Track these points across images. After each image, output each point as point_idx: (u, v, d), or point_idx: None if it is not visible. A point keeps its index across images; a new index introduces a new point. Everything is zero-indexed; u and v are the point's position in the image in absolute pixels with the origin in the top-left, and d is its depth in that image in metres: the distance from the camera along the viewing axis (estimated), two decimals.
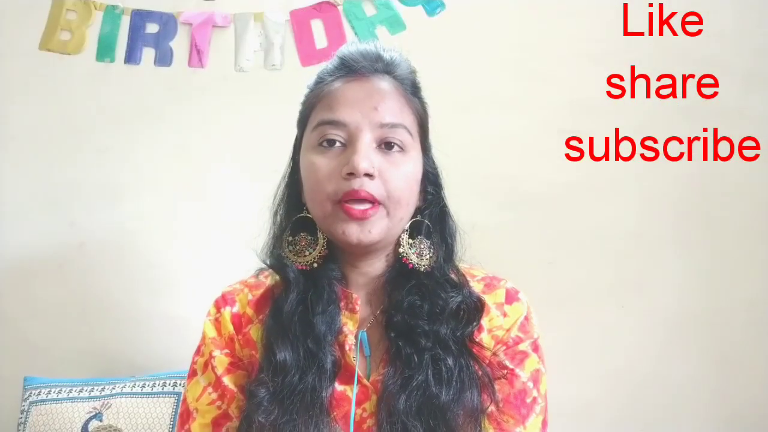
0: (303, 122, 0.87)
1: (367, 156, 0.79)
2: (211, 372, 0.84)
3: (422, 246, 0.86)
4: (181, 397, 1.29)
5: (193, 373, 0.86)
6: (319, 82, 0.86)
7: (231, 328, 0.86)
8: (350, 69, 0.84)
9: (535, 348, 0.85)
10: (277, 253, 0.86)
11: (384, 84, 0.83)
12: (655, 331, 1.49)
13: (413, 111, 0.85)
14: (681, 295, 1.49)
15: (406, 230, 0.86)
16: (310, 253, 0.84)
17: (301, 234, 0.86)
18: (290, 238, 0.86)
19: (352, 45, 0.87)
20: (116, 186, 1.54)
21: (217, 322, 0.87)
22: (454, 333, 0.81)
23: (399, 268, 0.85)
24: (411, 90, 0.86)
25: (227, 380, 0.83)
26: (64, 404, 1.30)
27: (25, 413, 1.31)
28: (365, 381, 0.81)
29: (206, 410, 0.83)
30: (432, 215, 0.88)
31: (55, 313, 1.52)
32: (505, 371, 0.82)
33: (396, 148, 0.81)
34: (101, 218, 1.54)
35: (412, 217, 0.86)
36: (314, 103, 0.85)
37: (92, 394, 1.31)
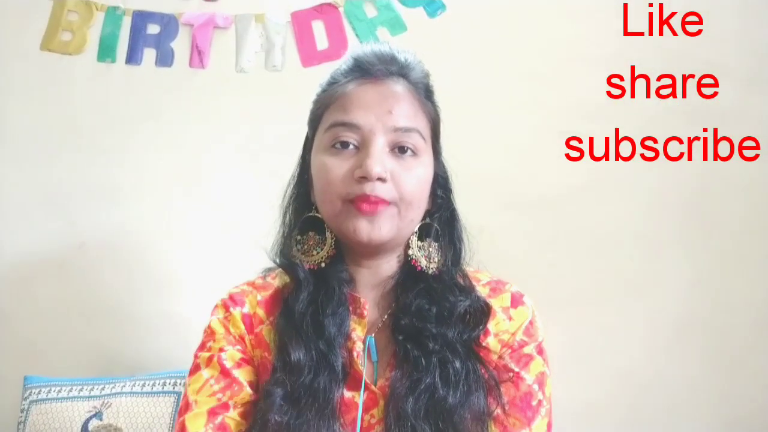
0: (315, 122, 0.86)
1: (380, 160, 0.79)
2: (217, 364, 0.83)
3: (431, 249, 0.86)
4: (181, 396, 1.30)
5: (195, 368, 0.85)
6: (333, 82, 0.85)
7: (242, 327, 0.85)
8: (365, 71, 0.83)
9: (540, 351, 0.86)
10: (287, 253, 0.86)
11: (398, 87, 0.83)
12: (656, 331, 1.48)
13: (426, 115, 0.85)
14: (682, 296, 1.48)
15: (415, 233, 0.86)
16: (318, 253, 0.85)
17: (310, 233, 0.86)
18: (298, 237, 0.86)
19: (366, 46, 0.86)
20: (116, 186, 1.55)
21: (227, 320, 0.86)
22: (461, 336, 0.81)
23: (408, 270, 0.86)
24: (425, 94, 0.86)
25: (237, 373, 0.82)
26: (64, 403, 1.30)
27: (25, 412, 1.31)
28: (373, 387, 0.81)
29: (205, 401, 0.81)
30: (441, 219, 0.88)
31: (55, 312, 1.52)
32: (511, 374, 0.82)
33: (409, 152, 0.82)
34: (101, 218, 1.54)
35: (422, 220, 0.86)
36: (327, 103, 0.84)
37: (92, 393, 1.31)
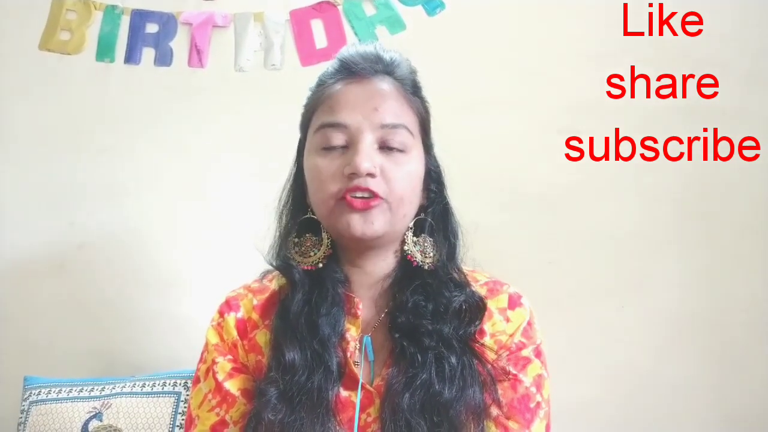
0: (305, 125, 0.88)
1: (368, 156, 0.80)
2: (212, 378, 0.84)
3: (426, 244, 0.87)
4: (182, 397, 1.31)
5: (196, 381, 0.87)
6: (320, 84, 0.87)
7: (234, 333, 0.86)
8: (350, 71, 0.84)
9: (538, 353, 0.86)
10: (283, 255, 0.87)
11: (384, 85, 0.84)
12: (654, 330, 1.49)
13: (414, 111, 0.86)
14: (681, 295, 1.49)
15: (411, 228, 0.86)
16: (315, 254, 0.85)
17: (306, 235, 0.87)
18: (296, 239, 0.87)
19: (351, 47, 0.88)
20: (116, 186, 1.54)
21: (220, 327, 0.87)
22: (456, 332, 0.82)
23: (404, 267, 0.86)
24: (411, 90, 0.87)
25: (229, 385, 0.83)
26: (64, 404, 1.30)
27: (25, 413, 1.31)
28: (368, 386, 0.82)
29: (206, 417, 0.83)
30: (435, 213, 0.89)
31: (55, 313, 1.51)
32: (509, 376, 0.82)
33: (397, 148, 0.82)
34: (101, 218, 1.54)
35: (416, 216, 0.87)
36: (315, 105, 0.85)
37: (92, 393, 1.31)
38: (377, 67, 0.85)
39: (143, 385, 1.32)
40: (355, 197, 0.79)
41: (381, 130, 0.81)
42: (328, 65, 0.88)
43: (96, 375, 1.42)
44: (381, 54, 0.86)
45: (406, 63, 0.88)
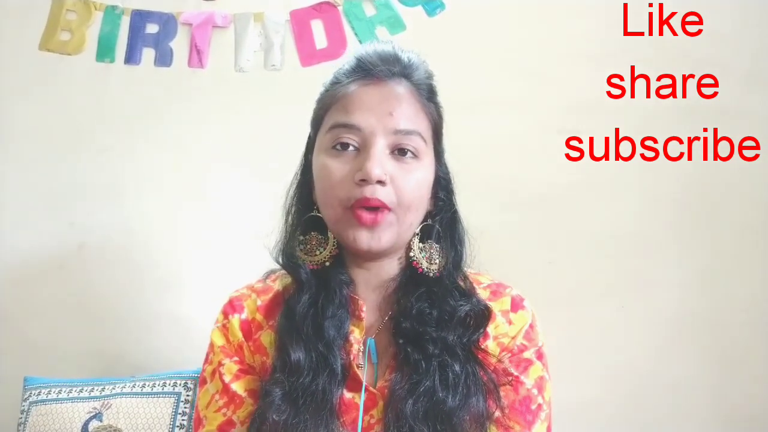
0: (317, 122, 0.86)
1: (380, 163, 0.79)
2: (219, 380, 0.84)
3: (432, 251, 0.86)
4: (182, 398, 1.31)
5: (203, 381, 0.87)
6: (335, 82, 0.85)
7: (240, 335, 0.86)
8: (367, 72, 0.83)
9: (540, 356, 0.86)
10: (289, 253, 0.86)
11: (400, 89, 0.83)
12: (654, 330, 1.49)
13: (428, 117, 0.85)
14: (681, 295, 1.49)
15: (417, 234, 0.86)
16: (320, 253, 0.85)
17: (312, 233, 0.86)
18: (301, 237, 0.86)
19: (369, 45, 0.86)
20: (116, 186, 1.54)
21: (225, 329, 0.87)
22: (461, 340, 0.82)
23: (409, 273, 0.86)
24: (427, 95, 0.86)
25: (236, 386, 0.83)
26: (64, 404, 1.30)
27: (25, 413, 1.31)
28: (372, 389, 0.82)
29: (213, 417, 0.83)
30: (443, 221, 0.88)
31: (55, 313, 1.52)
32: (510, 378, 0.83)
33: (409, 154, 0.81)
34: (101, 218, 1.54)
35: (423, 222, 0.86)
36: (329, 104, 0.84)
37: (92, 394, 1.31)
38: (394, 69, 0.83)
39: (143, 386, 1.32)
40: (363, 213, 0.79)
41: (394, 136, 0.81)
42: (344, 62, 0.86)
43: (96, 375, 1.42)
44: (399, 54, 0.84)
45: (424, 66, 0.86)
